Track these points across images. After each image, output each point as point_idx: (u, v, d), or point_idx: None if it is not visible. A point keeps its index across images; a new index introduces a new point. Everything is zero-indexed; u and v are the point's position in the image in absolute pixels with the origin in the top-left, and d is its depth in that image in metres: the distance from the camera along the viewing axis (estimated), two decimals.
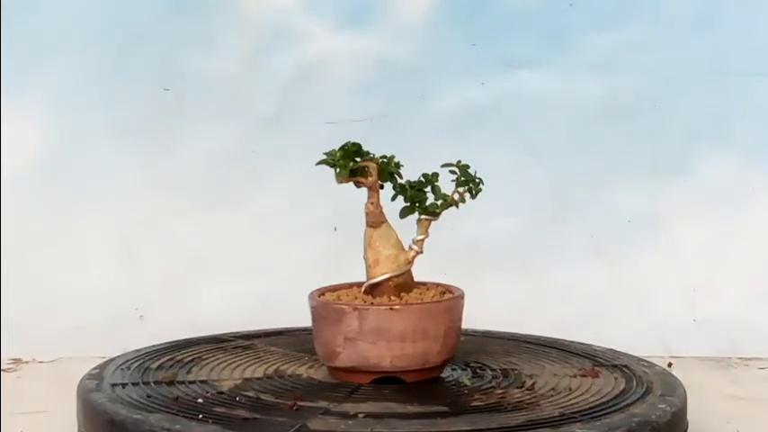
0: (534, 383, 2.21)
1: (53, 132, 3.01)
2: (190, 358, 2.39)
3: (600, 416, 2.00)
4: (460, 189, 2.24)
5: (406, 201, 2.23)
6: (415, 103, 3.05)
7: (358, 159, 2.18)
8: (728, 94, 3.02)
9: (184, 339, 2.56)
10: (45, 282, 2.97)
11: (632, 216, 3.03)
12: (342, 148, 2.18)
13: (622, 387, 2.19)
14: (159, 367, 2.32)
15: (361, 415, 2.00)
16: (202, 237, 3.03)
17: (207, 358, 2.39)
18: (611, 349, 2.49)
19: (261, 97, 3.05)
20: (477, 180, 2.23)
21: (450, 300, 2.24)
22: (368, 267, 2.23)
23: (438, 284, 2.30)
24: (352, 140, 2.19)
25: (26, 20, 2.99)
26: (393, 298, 2.21)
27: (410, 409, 2.04)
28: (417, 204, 2.23)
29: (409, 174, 2.23)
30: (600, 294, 2.99)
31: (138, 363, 2.35)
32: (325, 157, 2.18)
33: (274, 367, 2.32)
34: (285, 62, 3.05)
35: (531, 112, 3.05)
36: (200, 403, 2.08)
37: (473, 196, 2.24)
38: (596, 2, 3.04)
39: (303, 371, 2.30)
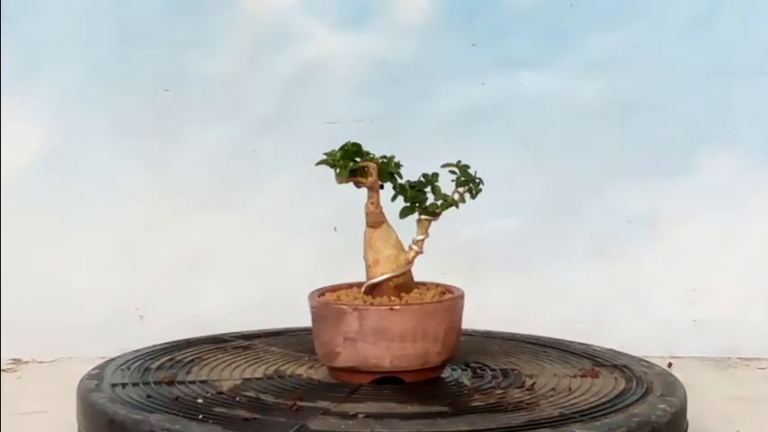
0: (534, 383, 2.21)
1: (53, 132, 3.01)
2: (190, 358, 2.39)
3: (600, 416, 2.01)
4: (460, 189, 2.24)
5: (406, 201, 2.23)
6: (415, 103, 3.05)
7: (358, 159, 2.18)
8: (728, 94, 3.02)
9: (184, 339, 2.56)
10: (45, 282, 2.97)
11: (632, 216, 3.03)
12: (342, 148, 2.18)
13: (622, 387, 2.19)
14: (159, 367, 2.32)
15: (361, 415, 2.00)
16: (202, 237, 3.03)
17: (207, 358, 2.39)
18: (611, 349, 2.49)
19: (261, 97, 3.05)
20: (477, 180, 2.23)
21: (450, 300, 2.24)
22: (368, 267, 2.23)
23: (438, 284, 2.30)
24: (352, 140, 2.19)
25: (26, 20, 2.99)
26: (393, 298, 2.21)
27: (410, 409, 2.04)
28: (417, 204, 2.23)
29: (409, 174, 2.24)
30: (600, 294, 2.99)
31: (138, 363, 2.36)
32: (325, 157, 2.18)
33: (274, 367, 2.32)
34: (285, 62, 3.05)
35: (531, 112, 3.05)
36: (200, 403, 2.08)
37: (473, 196, 2.24)
38: (596, 2, 3.04)
39: (303, 371, 2.30)
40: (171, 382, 2.21)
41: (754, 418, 2.50)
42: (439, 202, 2.23)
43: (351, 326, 2.15)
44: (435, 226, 2.25)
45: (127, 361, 2.37)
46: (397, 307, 2.17)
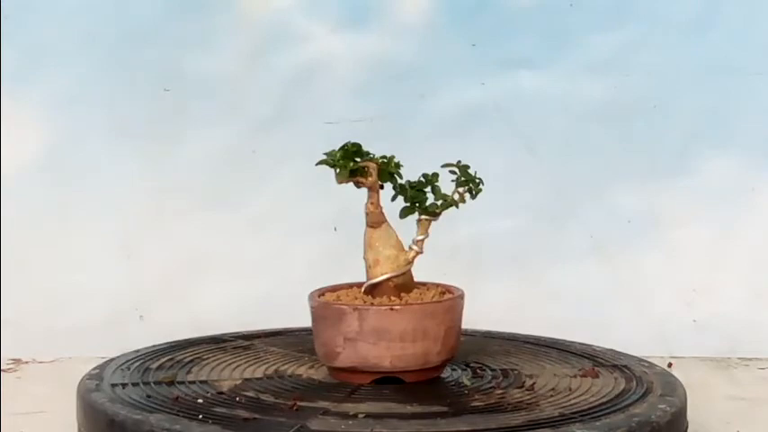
0: (534, 383, 2.21)
1: (53, 132, 3.01)
2: (190, 358, 2.39)
3: (600, 416, 2.00)
4: (460, 189, 2.24)
5: (406, 201, 2.23)
6: (415, 103, 3.05)
7: (358, 159, 2.18)
8: (728, 94, 3.02)
9: (184, 339, 2.56)
10: (45, 282, 2.97)
11: (632, 216, 3.03)
12: (342, 148, 2.18)
13: (622, 387, 2.19)
14: (159, 367, 2.32)
15: (361, 415, 2.00)
16: (202, 237, 3.03)
17: (207, 358, 2.39)
18: (611, 349, 2.49)
19: (261, 97, 3.05)
20: (477, 180, 2.23)
21: (450, 300, 2.23)
22: (368, 267, 2.23)
23: (438, 284, 2.30)
24: (352, 140, 2.19)
25: (26, 20, 2.99)
26: (393, 298, 2.21)
27: (410, 409, 2.04)
28: (417, 204, 2.23)
29: (409, 174, 2.23)
30: (600, 294, 2.99)
31: (138, 363, 2.35)
32: (325, 157, 2.18)
33: (274, 367, 2.32)
34: (285, 62, 3.05)
35: (531, 112, 3.05)
36: (200, 403, 2.08)
37: (473, 196, 2.24)
38: (596, 2, 3.04)
39: (303, 371, 2.30)
40: (171, 383, 2.21)
41: (754, 418, 2.50)
42: (439, 202, 2.23)
43: (351, 326, 2.15)
44: (435, 226, 2.25)
45: (127, 361, 2.37)
46: (397, 307, 2.17)
